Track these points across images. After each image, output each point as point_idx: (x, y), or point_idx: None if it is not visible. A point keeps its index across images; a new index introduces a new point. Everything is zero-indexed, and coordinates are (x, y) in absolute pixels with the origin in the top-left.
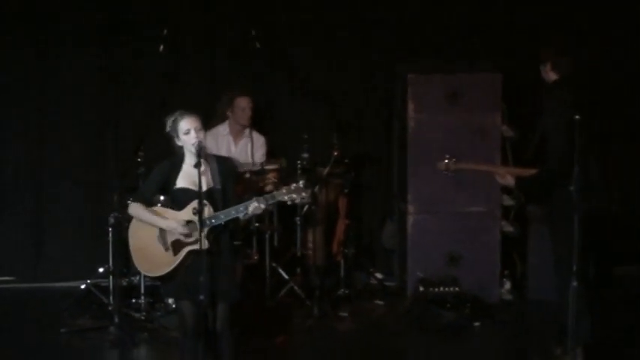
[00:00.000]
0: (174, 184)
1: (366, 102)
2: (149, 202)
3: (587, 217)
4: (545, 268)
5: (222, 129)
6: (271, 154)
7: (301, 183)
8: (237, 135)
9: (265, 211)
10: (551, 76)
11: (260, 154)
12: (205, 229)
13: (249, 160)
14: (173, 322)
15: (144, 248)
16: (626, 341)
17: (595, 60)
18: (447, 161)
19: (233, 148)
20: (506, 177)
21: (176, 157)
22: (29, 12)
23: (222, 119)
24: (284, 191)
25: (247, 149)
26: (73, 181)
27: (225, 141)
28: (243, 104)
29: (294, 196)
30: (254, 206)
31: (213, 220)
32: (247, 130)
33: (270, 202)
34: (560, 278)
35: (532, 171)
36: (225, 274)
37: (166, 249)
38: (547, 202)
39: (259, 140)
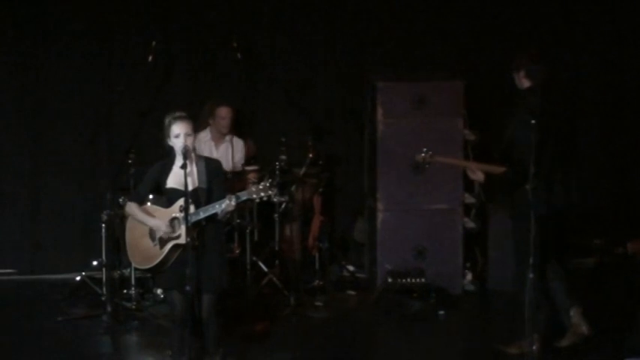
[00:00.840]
0: (165, 183)
1: (339, 107)
2: (143, 201)
3: (549, 215)
4: (504, 260)
5: (204, 135)
6: (250, 156)
7: (268, 182)
8: (218, 140)
9: (246, 208)
10: (524, 83)
11: (240, 157)
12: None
13: (230, 163)
14: (161, 311)
15: (137, 243)
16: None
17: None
18: (423, 154)
19: (215, 153)
20: (477, 173)
21: (168, 158)
22: (28, 12)
23: (204, 126)
24: (253, 189)
25: (228, 153)
26: (69, 180)
27: (207, 146)
28: (223, 114)
29: (262, 194)
30: (226, 203)
31: (193, 217)
32: (228, 136)
33: (241, 199)
34: (519, 272)
35: (501, 169)
36: (211, 266)
37: (154, 244)
38: (509, 200)
39: (239, 144)
